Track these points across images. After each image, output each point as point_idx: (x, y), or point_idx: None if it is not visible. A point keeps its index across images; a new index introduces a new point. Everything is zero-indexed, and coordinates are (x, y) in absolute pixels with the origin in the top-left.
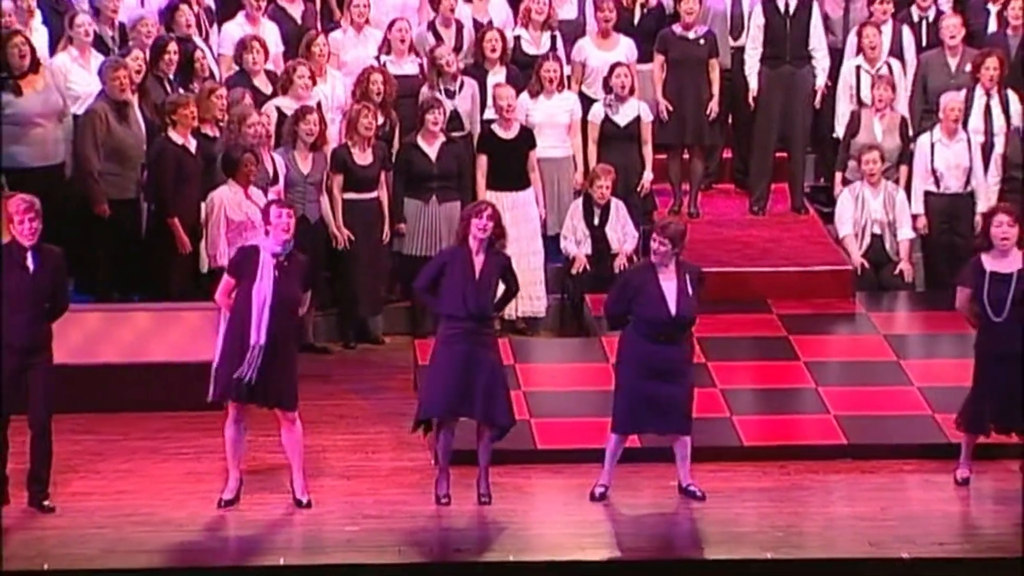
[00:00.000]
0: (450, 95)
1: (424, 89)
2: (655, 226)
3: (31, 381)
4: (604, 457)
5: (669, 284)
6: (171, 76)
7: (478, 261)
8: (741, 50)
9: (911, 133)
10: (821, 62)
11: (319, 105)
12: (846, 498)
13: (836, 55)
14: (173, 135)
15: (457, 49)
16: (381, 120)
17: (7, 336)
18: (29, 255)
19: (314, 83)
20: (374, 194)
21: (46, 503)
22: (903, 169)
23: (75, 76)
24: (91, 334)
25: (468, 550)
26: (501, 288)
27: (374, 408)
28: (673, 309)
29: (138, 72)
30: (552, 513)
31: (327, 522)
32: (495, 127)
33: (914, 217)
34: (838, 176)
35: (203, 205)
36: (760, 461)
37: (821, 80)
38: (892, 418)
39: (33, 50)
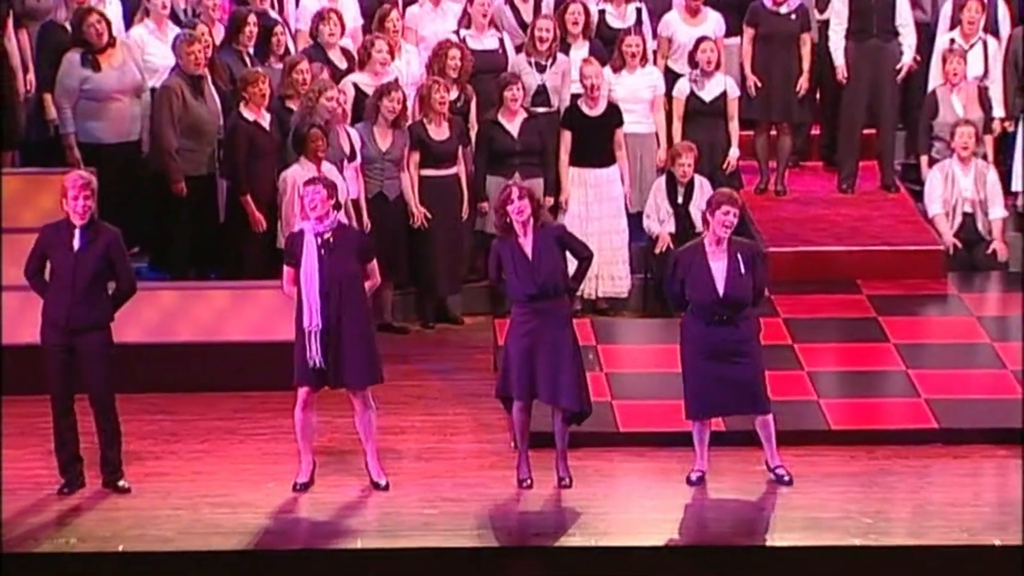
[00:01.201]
0: (540, 69)
1: (512, 61)
2: (720, 196)
3: (83, 361)
4: (689, 441)
5: (718, 264)
6: (250, 50)
7: (527, 243)
8: (826, 24)
9: (992, 105)
10: (908, 38)
11: (396, 82)
12: (936, 484)
13: (923, 31)
14: (245, 112)
15: None
16: (456, 95)
17: (52, 314)
18: (76, 233)
19: (392, 59)
20: (452, 170)
21: (121, 483)
22: (988, 140)
23: (152, 49)
24: (166, 313)
25: (547, 534)
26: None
27: (452, 389)
28: (721, 290)
29: (207, 45)
30: (634, 497)
31: (404, 505)
32: (581, 103)
33: (1014, 195)
34: (924, 159)
35: (279, 181)
36: (848, 446)
37: (908, 56)
38: (985, 402)
39: (109, 25)
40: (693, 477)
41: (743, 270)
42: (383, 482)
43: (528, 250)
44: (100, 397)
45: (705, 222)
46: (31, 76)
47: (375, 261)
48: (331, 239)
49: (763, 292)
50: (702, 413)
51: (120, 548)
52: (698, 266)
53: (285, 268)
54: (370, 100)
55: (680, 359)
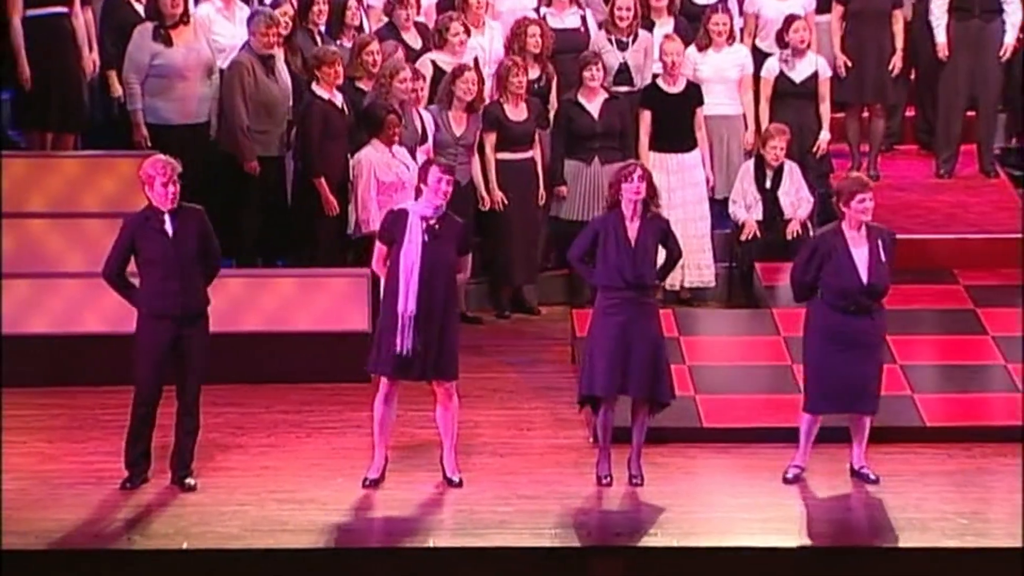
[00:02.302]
0: (621, 47)
1: (593, 39)
2: (853, 183)
3: (185, 352)
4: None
5: (860, 250)
6: (321, 28)
7: (633, 227)
8: (925, 1)
9: None
10: (1012, 16)
11: (476, 61)
12: None
13: None
14: (319, 90)
15: None
16: (537, 74)
17: (162, 305)
18: (167, 218)
19: (469, 36)
20: (529, 153)
21: (188, 481)
22: None
23: (219, 28)
24: (233, 301)
25: (629, 533)
26: (662, 254)
27: (529, 382)
28: (865, 277)
29: (286, 27)
30: (719, 495)
31: (479, 502)
32: (659, 81)
33: None
34: None
35: (351, 164)
36: (944, 443)
37: (1011, 36)
38: None
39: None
40: (790, 474)
41: (883, 256)
42: (457, 478)
43: (632, 235)
44: (194, 388)
45: (840, 212)
46: (95, 56)
47: (470, 254)
48: (436, 226)
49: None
50: (822, 407)
51: (184, 545)
52: (840, 253)
53: (378, 246)
54: (443, 83)
55: (804, 348)
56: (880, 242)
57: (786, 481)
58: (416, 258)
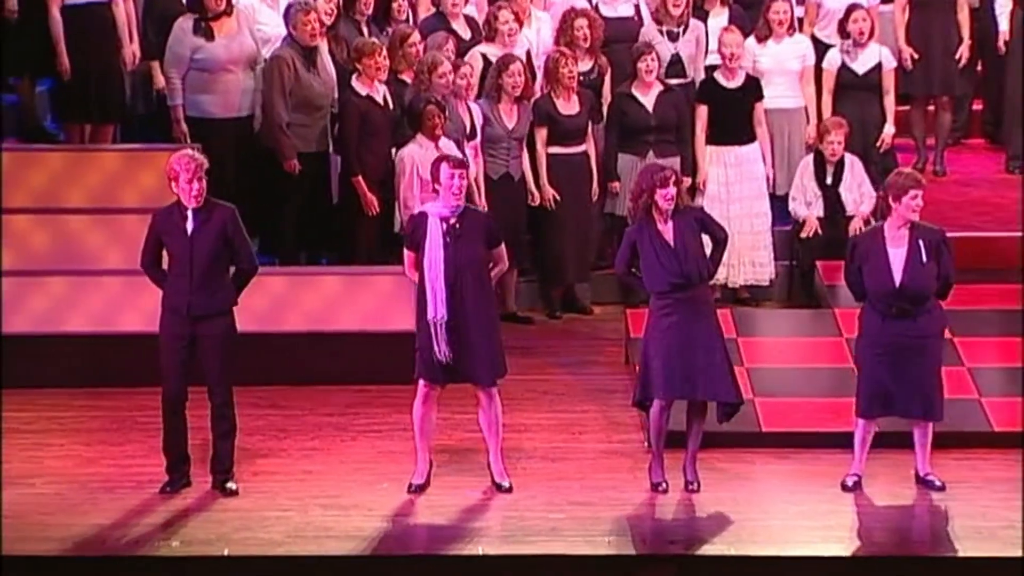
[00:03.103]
0: (672, 38)
1: (643, 30)
2: (906, 179)
3: (202, 351)
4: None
5: (897, 251)
6: (367, 19)
7: (667, 229)
8: None
9: None
10: None
11: (528, 53)
12: None
13: None
14: (357, 85)
15: None
16: (588, 66)
17: (174, 302)
18: (189, 215)
19: (520, 26)
20: (582, 148)
21: (229, 485)
22: None
23: (263, 17)
24: (275, 300)
25: (684, 542)
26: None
27: (581, 384)
28: (898, 279)
29: (329, 15)
30: (778, 503)
31: (529, 508)
32: (717, 75)
33: None
34: None
35: (395, 161)
36: (1012, 449)
37: None
38: None
39: None
40: (849, 482)
41: (925, 258)
42: (506, 483)
43: (669, 236)
44: (220, 389)
45: (887, 208)
46: (135, 47)
47: (503, 245)
48: (457, 224)
49: (950, 282)
50: (872, 411)
51: (225, 552)
52: (876, 253)
53: (406, 252)
54: (489, 76)
55: (855, 353)
56: (922, 243)
57: (845, 489)
58: (439, 262)
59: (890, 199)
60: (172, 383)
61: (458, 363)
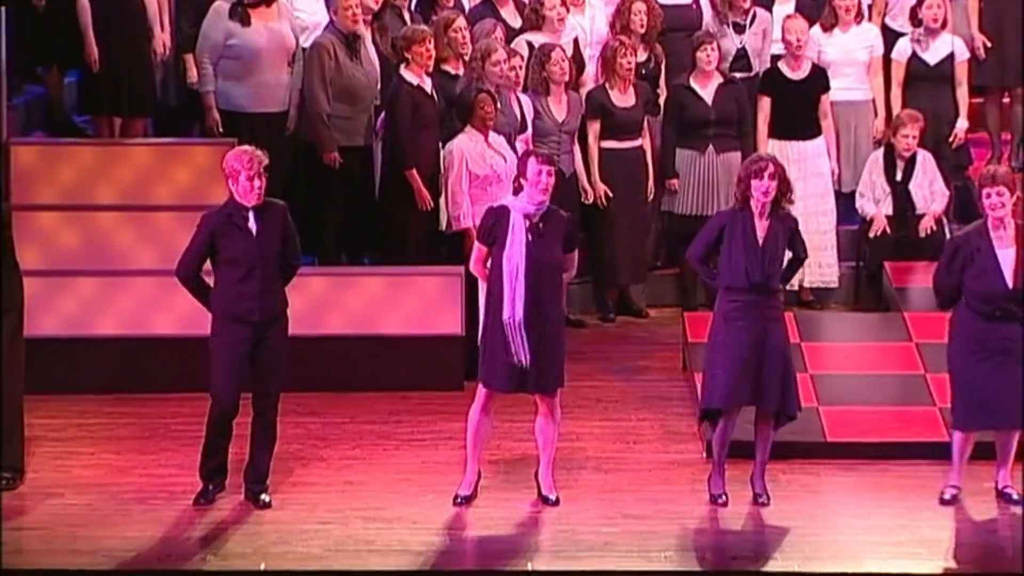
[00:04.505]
0: (738, 29)
1: (706, 21)
2: (981, 178)
3: (263, 357)
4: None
5: (1006, 251)
6: (411, 6)
7: (761, 226)
8: None
9: None
10: None
11: (576, 41)
12: None
13: None
14: (407, 74)
15: None
16: (644, 57)
17: (240, 308)
18: (251, 215)
19: (568, 12)
20: (637, 142)
21: (263, 497)
22: None
23: (301, 4)
24: (315, 302)
25: (746, 557)
26: (787, 255)
27: (636, 391)
28: (1010, 281)
29: (376, 1)
30: (844, 517)
31: (582, 522)
32: (781, 65)
33: None
34: None
35: (442, 155)
36: None
37: None
38: None
39: None
40: (947, 495)
41: None
42: (553, 497)
43: (761, 234)
44: (272, 397)
45: (980, 206)
46: (167, 36)
47: (576, 251)
48: (540, 224)
49: None
50: (971, 424)
51: (262, 566)
52: (983, 253)
53: (477, 246)
54: (532, 69)
55: (948, 359)
56: None
57: (943, 502)
58: (520, 260)
59: (977, 199)
60: (228, 396)
61: (530, 370)
